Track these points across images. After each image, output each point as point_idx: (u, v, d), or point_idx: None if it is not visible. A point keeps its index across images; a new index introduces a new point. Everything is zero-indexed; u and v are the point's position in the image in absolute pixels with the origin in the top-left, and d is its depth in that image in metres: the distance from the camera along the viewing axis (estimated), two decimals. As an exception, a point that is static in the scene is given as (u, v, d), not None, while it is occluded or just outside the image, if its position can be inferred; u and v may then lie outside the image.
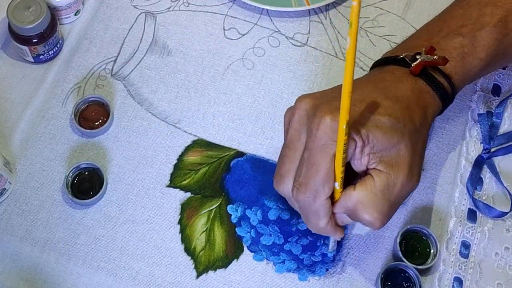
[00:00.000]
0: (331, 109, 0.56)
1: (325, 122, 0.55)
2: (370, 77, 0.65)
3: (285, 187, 0.60)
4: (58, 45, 0.76)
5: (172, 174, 0.72)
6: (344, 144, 0.54)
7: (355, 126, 0.56)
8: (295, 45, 0.79)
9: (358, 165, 0.58)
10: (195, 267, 0.68)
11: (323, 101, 0.57)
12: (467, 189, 0.71)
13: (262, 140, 0.74)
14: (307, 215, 0.59)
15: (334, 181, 0.57)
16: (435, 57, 0.61)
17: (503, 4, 0.65)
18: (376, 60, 0.67)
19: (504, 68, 0.78)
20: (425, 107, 0.61)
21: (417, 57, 0.62)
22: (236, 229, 0.69)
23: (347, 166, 0.57)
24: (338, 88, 0.53)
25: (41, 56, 0.75)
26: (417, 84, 0.62)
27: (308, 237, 0.69)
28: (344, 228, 0.62)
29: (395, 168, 0.57)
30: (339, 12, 0.81)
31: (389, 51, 0.68)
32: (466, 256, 0.69)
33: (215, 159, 0.73)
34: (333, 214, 0.59)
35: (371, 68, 0.67)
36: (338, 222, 0.60)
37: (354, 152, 0.57)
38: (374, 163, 0.57)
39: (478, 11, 0.65)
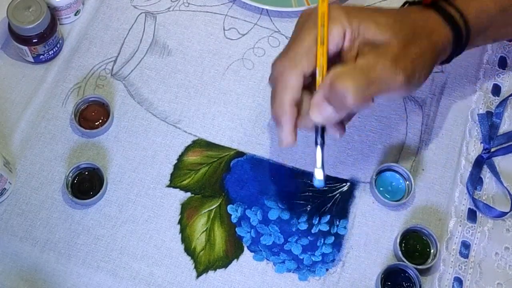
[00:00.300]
0: (336, 5, 0.58)
1: (316, 12, 0.58)
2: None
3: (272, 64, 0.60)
4: (58, 45, 0.76)
5: (172, 174, 0.72)
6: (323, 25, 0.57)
7: (348, 18, 0.57)
8: (295, 45, 0.79)
9: (349, 58, 0.58)
10: (195, 267, 0.68)
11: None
12: (467, 189, 0.71)
13: (262, 140, 0.74)
14: (276, 86, 0.59)
15: (315, 67, 0.57)
16: None
17: None
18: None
19: (504, 68, 0.78)
20: (431, 30, 0.61)
21: None
22: (236, 229, 0.69)
23: None
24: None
25: (41, 56, 0.75)
26: (427, 13, 0.62)
27: (308, 237, 0.69)
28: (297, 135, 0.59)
29: (380, 54, 0.57)
30: (339, 12, 0.81)
31: None
32: (466, 256, 0.69)
33: (215, 159, 0.73)
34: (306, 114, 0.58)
35: None
36: (315, 113, 0.58)
37: (343, 41, 0.57)
38: (363, 53, 0.57)
39: None
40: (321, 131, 0.60)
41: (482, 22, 0.64)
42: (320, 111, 0.57)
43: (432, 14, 0.62)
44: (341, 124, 0.61)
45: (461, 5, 0.63)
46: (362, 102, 0.56)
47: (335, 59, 0.59)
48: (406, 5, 0.66)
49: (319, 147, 0.60)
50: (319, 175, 0.60)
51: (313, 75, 0.59)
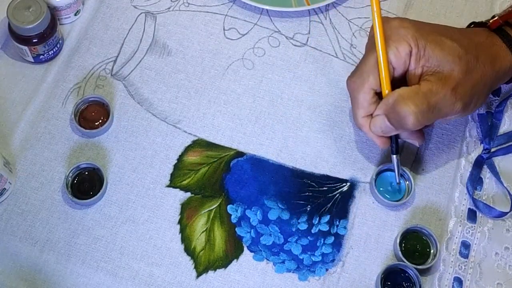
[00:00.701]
0: (407, 22, 0.62)
1: (393, 25, 0.62)
2: (451, 27, 0.67)
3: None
4: (58, 45, 0.76)
5: (172, 174, 0.72)
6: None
7: (416, 37, 0.60)
8: (295, 45, 0.79)
9: (413, 78, 0.61)
10: (195, 267, 0.68)
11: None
12: (467, 189, 0.71)
13: (262, 140, 0.74)
14: (352, 104, 0.65)
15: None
16: (510, 8, 0.64)
17: None
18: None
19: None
20: (495, 57, 0.63)
21: (495, 15, 0.65)
22: (236, 229, 0.69)
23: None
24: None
25: (41, 56, 0.75)
26: (492, 38, 0.64)
27: (308, 237, 0.69)
28: (388, 140, 0.66)
29: (442, 81, 0.60)
30: (339, 12, 0.81)
31: None
32: (466, 256, 0.69)
33: (215, 159, 0.73)
34: (373, 117, 0.64)
35: None
36: (375, 128, 0.63)
37: (409, 60, 0.61)
38: (427, 76, 0.60)
39: None
40: (395, 140, 0.67)
41: None
42: (380, 126, 0.63)
43: (497, 40, 0.64)
44: (420, 132, 0.65)
45: None
46: (421, 125, 0.61)
47: (403, 78, 0.63)
48: (471, 26, 0.68)
49: (394, 156, 0.68)
50: (397, 180, 0.69)
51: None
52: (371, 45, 0.63)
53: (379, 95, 0.65)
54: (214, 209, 0.70)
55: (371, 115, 0.65)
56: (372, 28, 0.64)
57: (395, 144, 0.68)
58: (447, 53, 0.60)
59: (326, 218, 0.70)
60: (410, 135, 0.66)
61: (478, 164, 0.72)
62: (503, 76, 0.65)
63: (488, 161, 0.73)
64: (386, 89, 0.63)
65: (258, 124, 0.74)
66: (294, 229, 0.69)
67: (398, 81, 0.64)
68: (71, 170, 0.69)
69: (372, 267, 0.68)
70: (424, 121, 0.61)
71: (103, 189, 0.70)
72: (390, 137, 0.67)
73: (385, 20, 0.63)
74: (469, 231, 0.70)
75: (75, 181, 0.70)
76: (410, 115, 0.59)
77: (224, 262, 0.68)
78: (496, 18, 0.65)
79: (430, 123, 0.62)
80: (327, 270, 0.68)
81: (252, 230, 0.69)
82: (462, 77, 0.60)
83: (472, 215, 0.71)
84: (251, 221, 0.70)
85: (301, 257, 0.68)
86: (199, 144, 0.73)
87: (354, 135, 0.74)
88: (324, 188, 0.71)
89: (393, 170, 0.71)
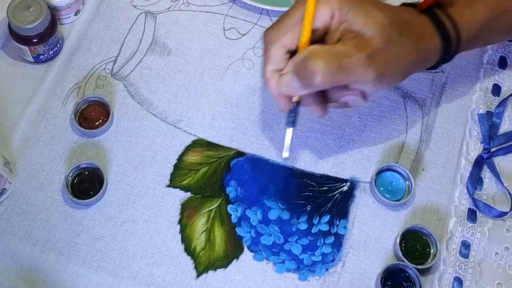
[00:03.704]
0: None
1: None
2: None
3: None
4: (58, 45, 0.76)
5: (172, 174, 0.72)
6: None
7: (340, 1, 0.58)
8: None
9: (331, 40, 0.59)
10: (195, 267, 0.68)
11: None
12: (467, 189, 0.71)
13: (262, 140, 0.74)
14: (263, 57, 0.61)
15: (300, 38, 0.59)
16: None
17: None
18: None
19: (504, 68, 0.78)
20: (420, 36, 0.61)
21: None
22: (236, 229, 0.69)
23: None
24: None
25: (41, 56, 0.75)
26: (422, 18, 0.62)
27: (308, 237, 0.69)
28: (291, 103, 0.63)
29: (359, 45, 0.58)
30: (339, 12, 0.81)
31: None
32: (466, 256, 0.69)
33: (215, 159, 0.73)
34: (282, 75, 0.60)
35: None
36: (281, 87, 0.61)
37: (330, 22, 0.59)
38: (344, 40, 0.58)
39: None
40: (295, 111, 0.64)
41: (473, 31, 0.65)
42: (287, 83, 0.60)
43: (425, 20, 0.62)
44: (323, 105, 0.62)
45: (454, 15, 0.63)
46: (328, 84, 0.58)
47: (321, 40, 0.60)
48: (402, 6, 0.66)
49: (291, 129, 0.65)
50: (285, 154, 0.67)
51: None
52: (297, 3, 0.60)
53: (292, 55, 0.62)
54: (214, 209, 0.70)
55: (279, 72, 0.61)
56: None
57: (295, 115, 0.64)
58: (370, 21, 0.58)
59: (326, 218, 0.70)
60: (313, 102, 0.63)
61: (478, 164, 0.72)
62: (426, 58, 0.63)
63: (488, 161, 0.73)
64: (301, 49, 0.60)
65: (258, 124, 0.74)
66: (294, 229, 0.69)
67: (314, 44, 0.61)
68: (71, 170, 0.69)
69: (372, 267, 0.68)
70: (332, 80, 0.57)
71: (103, 189, 0.70)
72: (291, 109, 0.64)
73: None
74: (469, 231, 0.70)
75: (75, 181, 0.70)
76: (319, 71, 0.57)
77: (224, 262, 0.68)
78: None
79: (338, 84, 0.59)
80: (327, 270, 0.68)
81: (252, 230, 0.69)
82: (380, 46, 0.58)
83: (472, 215, 0.71)
84: (251, 221, 0.70)
85: (301, 257, 0.68)
86: (199, 144, 0.73)
87: (354, 135, 0.74)
88: (324, 188, 0.71)
89: (393, 170, 0.71)
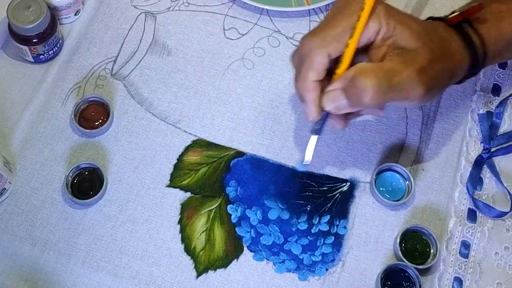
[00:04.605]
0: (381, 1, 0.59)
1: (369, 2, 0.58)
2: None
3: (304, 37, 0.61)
4: (58, 45, 0.76)
5: (172, 174, 0.72)
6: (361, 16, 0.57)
7: (387, 16, 0.58)
8: (295, 45, 0.78)
9: (375, 56, 0.59)
10: (195, 267, 0.68)
11: None
12: (467, 189, 0.71)
13: (262, 140, 0.74)
14: (302, 63, 0.60)
15: (341, 54, 0.58)
16: (469, 5, 0.63)
17: None
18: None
19: (504, 68, 0.78)
20: (454, 53, 0.62)
21: (455, 11, 0.64)
22: (236, 229, 0.69)
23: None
24: None
25: (41, 56, 0.75)
26: (452, 34, 0.63)
27: (308, 237, 0.69)
28: (322, 117, 0.61)
29: (407, 61, 0.58)
30: (339, 12, 0.81)
31: None
32: (466, 256, 0.69)
33: (215, 159, 0.73)
34: (324, 93, 0.60)
35: None
36: (327, 102, 0.60)
37: (376, 37, 0.58)
38: (391, 56, 0.58)
39: None
40: (324, 120, 0.62)
41: (500, 47, 0.65)
42: (334, 100, 0.59)
43: (455, 36, 0.63)
44: (345, 118, 0.62)
45: (482, 31, 0.64)
46: (378, 103, 0.57)
47: (361, 52, 0.60)
48: (429, 20, 0.66)
49: (315, 136, 0.64)
50: (308, 158, 0.65)
51: (335, 62, 0.60)
52: (344, 11, 0.59)
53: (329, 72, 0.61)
54: (214, 209, 0.70)
55: (319, 83, 0.60)
56: None
57: (322, 124, 0.63)
58: (416, 37, 0.58)
59: (326, 218, 0.70)
60: (334, 117, 0.62)
61: (478, 164, 0.72)
62: (458, 74, 0.64)
63: (488, 161, 0.73)
64: (346, 62, 0.59)
65: (258, 124, 0.74)
66: (294, 229, 0.69)
67: (354, 57, 0.61)
68: (71, 170, 0.69)
69: (372, 267, 0.68)
70: (383, 98, 0.57)
71: (103, 189, 0.70)
72: (320, 118, 0.62)
73: None
74: (469, 231, 0.70)
75: (75, 181, 0.70)
76: (370, 88, 0.56)
77: (224, 262, 0.68)
78: (456, 14, 0.64)
79: (388, 101, 0.59)
80: (327, 270, 0.68)
81: (252, 230, 0.69)
82: (427, 63, 0.58)
83: (472, 215, 0.71)
84: (251, 221, 0.70)
85: (301, 257, 0.68)
86: (199, 144, 0.73)
87: (354, 135, 0.74)
88: (324, 188, 0.71)
89: (393, 170, 0.71)
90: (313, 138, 0.64)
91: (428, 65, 0.58)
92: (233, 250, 0.69)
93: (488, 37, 0.64)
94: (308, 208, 0.70)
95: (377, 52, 0.59)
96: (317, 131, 0.63)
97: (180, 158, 0.72)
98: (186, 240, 0.69)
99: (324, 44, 0.58)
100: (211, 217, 0.70)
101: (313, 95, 0.60)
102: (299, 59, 0.60)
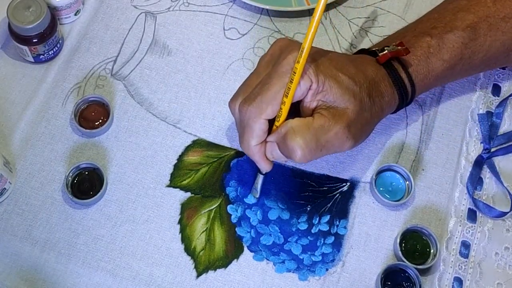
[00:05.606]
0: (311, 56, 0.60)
1: (292, 54, 0.59)
2: (345, 54, 0.68)
3: (236, 102, 0.62)
4: (58, 45, 0.76)
5: (172, 174, 0.72)
6: (293, 78, 0.59)
7: (316, 71, 0.60)
8: (295, 45, 0.79)
9: (306, 109, 0.61)
10: (195, 267, 0.68)
11: (298, 44, 0.61)
12: (467, 189, 0.71)
13: (262, 140, 0.74)
14: (243, 130, 0.62)
15: (278, 112, 0.60)
16: (398, 47, 0.65)
17: (476, 11, 0.68)
18: (354, 52, 0.71)
19: (504, 68, 0.78)
20: (382, 94, 0.64)
21: (385, 48, 0.66)
22: (236, 229, 0.69)
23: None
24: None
25: (41, 56, 0.75)
26: (382, 72, 0.65)
27: (308, 237, 0.69)
28: (271, 163, 0.65)
29: (336, 118, 0.60)
30: (339, 12, 0.81)
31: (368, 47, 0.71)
32: (466, 256, 0.69)
33: (215, 159, 0.73)
34: (266, 143, 0.62)
35: None
36: (267, 154, 0.63)
37: (307, 93, 0.60)
38: (320, 110, 0.60)
39: (452, 15, 0.69)
40: None
41: (429, 82, 0.68)
42: (271, 151, 0.62)
43: (385, 75, 0.65)
44: (269, 161, 0.65)
45: (411, 69, 0.66)
46: (309, 160, 0.60)
47: (296, 104, 0.62)
48: (360, 55, 0.68)
49: (261, 176, 0.68)
50: (256, 195, 0.70)
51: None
52: (277, 72, 0.60)
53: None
54: (214, 209, 0.70)
55: (263, 143, 0.63)
56: (280, 42, 0.63)
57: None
58: (344, 92, 0.60)
59: (326, 218, 0.70)
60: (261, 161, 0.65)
61: (478, 164, 0.72)
62: (387, 112, 0.66)
63: (488, 161, 0.73)
64: (283, 118, 0.61)
65: (258, 124, 0.74)
66: (294, 229, 0.69)
67: (291, 108, 0.62)
68: (71, 170, 0.69)
69: (372, 267, 0.68)
70: (311, 157, 0.60)
71: (103, 189, 0.70)
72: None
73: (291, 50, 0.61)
74: (469, 231, 0.70)
75: (75, 181, 0.70)
76: (298, 150, 0.59)
77: (224, 262, 0.68)
78: (385, 52, 0.65)
79: (318, 157, 0.61)
80: (327, 270, 0.68)
81: (252, 230, 0.69)
82: (355, 116, 0.61)
83: (472, 215, 0.71)
84: (251, 221, 0.70)
85: (301, 257, 0.68)
86: (199, 144, 0.73)
87: (354, 135, 0.74)
88: (324, 188, 0.71)
89: (393, 170, 0.71)
90: (261, 176, 0.68)
91: (356, 118, 0.61)
92: (233, 250, 0.69)
93: (416, 74, 0.67)
94: (308, 208, 0.70)
95: (308, 107, 0.61)
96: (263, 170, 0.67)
97: (180, 158, 0.72)
98: (186, 240, 0.69)
99: (261, 111, 0.60)
100: (211, 217, 0.70)
101: (259, 156, 0.63)
102: (240, 125, 0.63)
